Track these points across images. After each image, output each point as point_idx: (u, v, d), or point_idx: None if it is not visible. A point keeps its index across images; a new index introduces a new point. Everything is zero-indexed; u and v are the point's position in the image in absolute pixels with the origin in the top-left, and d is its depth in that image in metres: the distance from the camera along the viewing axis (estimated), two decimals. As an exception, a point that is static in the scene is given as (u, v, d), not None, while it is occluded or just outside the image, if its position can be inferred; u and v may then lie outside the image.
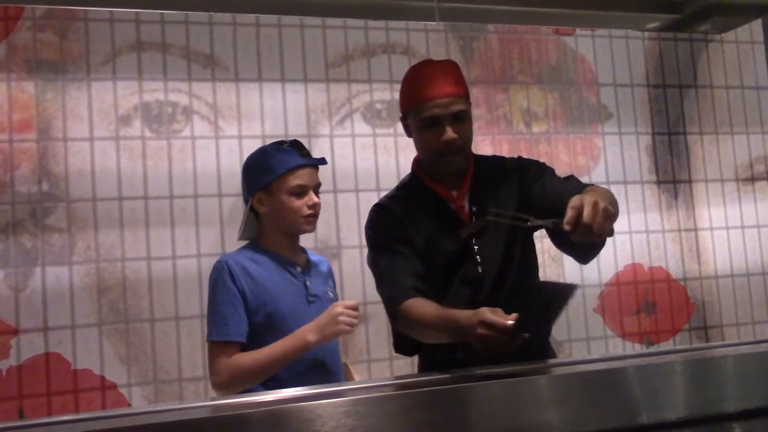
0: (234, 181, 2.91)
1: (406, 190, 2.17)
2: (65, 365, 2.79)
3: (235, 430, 1.24)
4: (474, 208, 2.08)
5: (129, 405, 2.82)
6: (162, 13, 3.01)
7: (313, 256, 2.30)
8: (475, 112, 3.37)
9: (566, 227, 1.65)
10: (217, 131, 3.06)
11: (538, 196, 2.04)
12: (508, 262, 2.06)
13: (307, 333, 2.02)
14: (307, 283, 2.16)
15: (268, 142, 2.36)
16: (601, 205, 1.65)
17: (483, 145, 3.37)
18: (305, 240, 3.06)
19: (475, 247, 2.06)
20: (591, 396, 1.47)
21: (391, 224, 2.09)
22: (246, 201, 2.22)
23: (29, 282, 2.79)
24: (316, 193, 2.18)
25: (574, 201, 1.68)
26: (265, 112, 3.12)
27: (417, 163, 2.19)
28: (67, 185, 2.87)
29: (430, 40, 3.36)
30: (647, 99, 3.68)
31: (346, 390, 1.51)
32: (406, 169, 3.29)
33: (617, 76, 3.64)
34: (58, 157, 2.88)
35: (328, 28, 3.23)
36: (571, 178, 2.10)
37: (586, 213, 1.63)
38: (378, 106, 3.26)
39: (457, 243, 2.06)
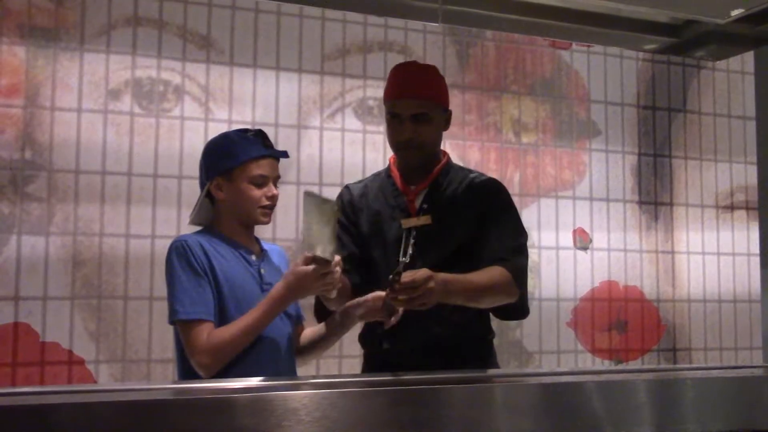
0: None
1: (375, 177, 2.35)
2: (33, 336, 2.77)
3: (215, 415, 1.23)
4: (425, 206, 2.21)
5: (95, 382, 2.79)
6: None
7: (267, 245, 2.27)
8: (466, 117, 3.39)
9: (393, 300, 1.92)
10: (207, 113, 3.05)
11: (477, 228, 2.18)
12: (437, 263, 2.08)
13: (279, 292, 1.98)
14: (262, 270, 2.14)
15: (257, 128, 2.34)
16: (423, 284, 1.89)
17: (471, 151, 3.38)
18: (287, 232, 3.07)
19: (411, 240, 2.16)
20: (553, 407, 1.48)
21: (343, 207, 2.29)
22: (202, 185, 2.18)
23: (3, 249, 2.76)
24: (275, 185, 2.15)
25: (405, 275, 1.90)
26: (257, 98, 3.12)
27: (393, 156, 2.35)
28: (51, 155, 2.84)
29: (427, 41, 3.38)
30: (636, 119, 3.72)
31: (328, 382, 1.50)
32: None
33: (608, 94, 3.67)
34: (43, 125, 2.85)
35: (327, 20, 3.23)
36: (507, 237, 2.18)
37: (412, 279, 1.89)
38: (370, 102, 3.27)
39: (397, 232, 2.20)
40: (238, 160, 2.09)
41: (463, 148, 3.38)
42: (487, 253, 2.14)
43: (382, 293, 2.01)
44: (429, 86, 2.21)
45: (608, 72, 3.67)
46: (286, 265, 2.28)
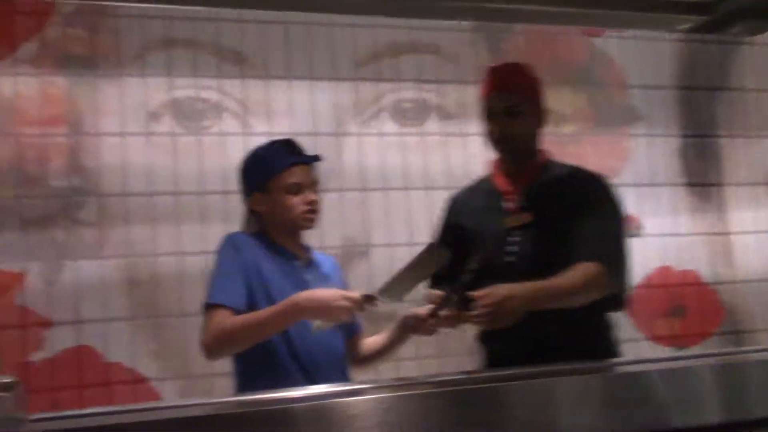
0: None
1: (478, 180, 2.39)
2: (97, 358, 2.82)
3: (278, 426, 1.25)
4: (525, 204, 2.20)
5: (160, 399, 2.83)
6: (192, 10, 3.02)
7: (319, 255, 2.28)
8: None
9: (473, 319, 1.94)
10: (247, 128, 3.07)
11: (570, 223, 2.15)
12: (541, 262, 2.09)
13: (301, 298, 1.97)
14: (306, 277, 2.15)
15: (298, 140, 2.36)
16: (502, 305, 1.90)
17: None
18: (333, 239, 3.08)
19: (515, 239, 2.16)
20: (619, 398, 1.45)
21: (446, 212, 2.35)
22: (245, 201, 2.23)
23: (62, 275, 2.81)
24: (314, 191, 2.17)
25: (479, 293, 1.91)
26: (294, 109, 3.14)
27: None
28: (98, 180, 2.89)
29: (458, 40, 3.35)
30: (677, 101, 3.64)
31: (385, 387, 1.50)
32: (434, 167, 3.30)
33: (646, 77, 3.61)
34: (89, 152, 2.90)
35: (357, 26, 3.23)
36: (598, 231, 2.13)
37: (483, 305, 1.90)
38: (406, 105, 3.27)
39: (498, 233, 2.19)
40: (269, 173, 2.14)
41: None
42: (576, 249, 2.09)
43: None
44: (518, 81, 2.24)
45: (644, 55, 3.61)
46: (339, 277, 2.29)
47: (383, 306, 1.96)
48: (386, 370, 3.05)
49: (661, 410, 1.46)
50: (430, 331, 2.09)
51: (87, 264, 2.85)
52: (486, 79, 2.27)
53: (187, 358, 2.89)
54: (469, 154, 3.28)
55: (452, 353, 3.11)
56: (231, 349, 2.05)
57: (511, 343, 2.08)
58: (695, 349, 3.43)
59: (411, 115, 3.27)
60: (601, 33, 3.55)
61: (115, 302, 2.86)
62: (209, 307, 2.03)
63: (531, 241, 2.16)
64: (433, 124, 3.28)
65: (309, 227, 2.18)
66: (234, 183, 2.89)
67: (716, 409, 1.50)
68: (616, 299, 2.16)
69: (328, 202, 3.00)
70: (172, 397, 2.84)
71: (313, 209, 2.15)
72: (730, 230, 3.64)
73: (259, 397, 1.66)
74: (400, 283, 1.94)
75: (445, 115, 3.30)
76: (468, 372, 1.79)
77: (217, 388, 2.87)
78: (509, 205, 2.22)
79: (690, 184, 3.60)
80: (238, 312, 2.00)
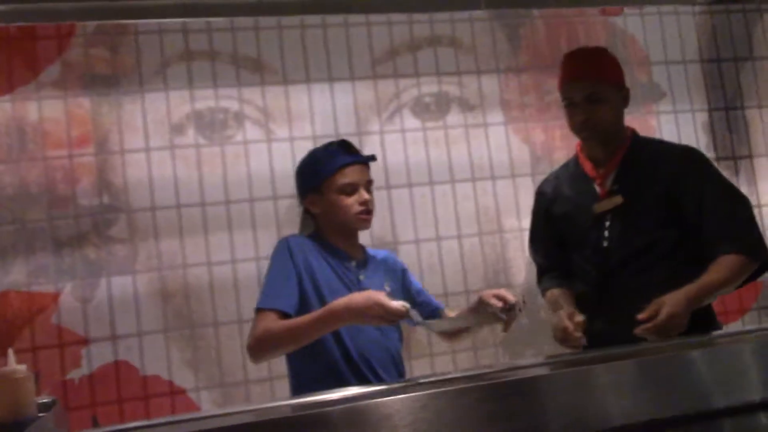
0: (288, 183, 2.90)
1: (565, 167, 2.41)
2: (134, 372, 2.86)
3: (314, 429, 1.25)
4: (615, 187, 2.21)
5: (198, 409, 2.86)
6: (209, 21, 3.04)
7: (376, 253, 2.29)
8: (525, 99, 3.34)
9: (638, 332, 1.95)
10: (269, 134, 3.08)
11: (687, 204, 2.15)
12: (638, 244, 2.14)
13: (337, 305, 1.97)
14: (360, 277, 2.16)
15: (319, 142, 2.38)
16: (674, 321, 1.93)
17: (535, 132, 3.33)
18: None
19: (607, 223, 2.20)
20: (662, 382, 1.45)
21: (537, 204, 2.41)
22: (301, 203, 2.26)
23: (96, 293, 2.85)
24: (368, 190, 2.17)
25: (650, 308, 1.95)
26: (314, 112, 3.14)
27: (579, 142, 2.37)
28: (127, 196, 2.93)
29: (475, 29, 3.33)
30: (701, 75, 3.58)
31: (417, 385, 1.50)
32: (458, 161, 3.26)
33: (668, 53, 3.54)
34: (116, 169, 2.94)
35: (373, 24, 3.22)
36: (728, 211, 2.13)
37: (654, 326, 1.93)
38: (426, 99, 3.25)
39: (590, 219, 2.22)
40: (323, 174, 2.14)
41: (526, 131, 3.33)
42: (714, 239, 2.09)
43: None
44: (596, 67, 2.24)
45: (665, 31, 3.55)
46: (398, 272, 2.28)
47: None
48: (420, 367, 3.05)
49: (704, 391, 1.44)
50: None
51: (120, 280, 2.88)
52: (564, 68, 2.28)
53: (222, 367, 2.92)
54: (492, 145, 3.27)
55: (484, 346, 3.09)
56: (274, 351, 2.07)
57: (601, 336, 2.08)
58: (734, 326, 3.34)
59: (432, 109, 3.25)
60: (619, 12, 3.50)
61: (149, 315, 2.90)
62: (259, 311, 2.05)
63: (625, 224, 2.17)
64: (454, 117, 3.26)
65: (364, 227, 2.20)
66: (258, 191, 3.02)
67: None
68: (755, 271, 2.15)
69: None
70: (210, 406, 2.87)
71: (367, 209, 2.16)
72: (762, 202, 3.55)
73: (294, 402, 1.67)
74: (450, 322, 2.00)
75: (466, 106, 3.27)
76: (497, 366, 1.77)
77: (254, 394, 2.90)
78: (599, 189, 2.24)
79: (719, 159, 3.52)
80: (286, 316, 2.02)
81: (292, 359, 2.15)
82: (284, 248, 2.12)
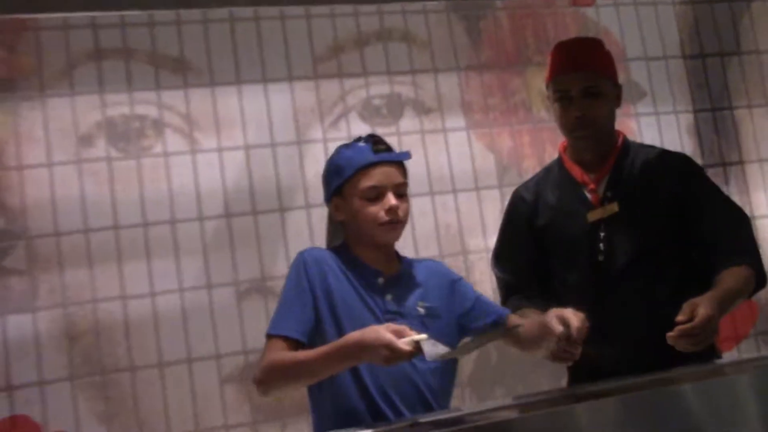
0: (216, 202, 2.84)
1: (547, 172, 2.32)
2: (35, 429, 2.65)
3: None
4: (609, 194, 2.15)
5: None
6: (122, 15, 2.86)
7: (414, 264, 2.07)
8: (489, 101, 3.21)
9: (669, 340, 1.83)
10: (193, 145, 2.93)
11: (691, 214, 2.13)
12: (638, 257, 2.10)
13: (350, 340, 1.82)
14: (387, 297, 1.97)
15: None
16: (711, 324, 1.82)
17: (501, 138, 3.19)
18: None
19: (601, 234, 2.14)
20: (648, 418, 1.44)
21: (513, 211, 2.30)
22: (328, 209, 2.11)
23: (-13, 335, 2.67)
24: (398, 195, 1.96)
25: (685, 310, 1.83)
26: (246, 118, 2.98)
27: (563, 144, 2.31)
28: (25, 219, 2.73)
29: (430, 22, 3.18)
30: (684, 72, 3.47)
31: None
32: (414, 171, 3.01)
33: (647, 48, 3.42)
34: (12, 187, 2.75)
35: (313, 17, 3.07)
36: (731, 224, 2.13)
37: (692, 327, 1.81)
38: (376, 101, 3.11)
39: (582, 229, 2.16)
40: (344, 175, 1.97)
41: (490, 137, 3.19)
42: (727, 251, 2.07)
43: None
44: (595, 58, 2.21)
45: (643, 23, 3.42)
46: (446, 280, 2.07)
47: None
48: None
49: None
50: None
51: (17, 318, 2.68)
52: (556, 58, 2.23)
53: (141, 420, 2.73)
54: (452, 153, 3.13)
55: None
56: (283, 385, 1.94)
57: (606, 347, 2.01)
58: (728, 356, 3.19)
59: (383, 112, 3.11)
60: (592, 2, 3.38)
61: (52, 361, 2.69)
62: (267, 337, 1.94)
63: (621, 234, 2.13)
64: (408, 122, 3.13)
65: (389, 240, 1.99)
66: (182, 211, 2.84)
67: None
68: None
69: (292, 220, 2.90)
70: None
71: (394, 218, 1.94)
72: (757, 214, 3.40)
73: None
74: (460, 350, 1.90)
75: (422, 109, 3.14)
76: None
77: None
78: (591, 195, 2.19)
79: (706, 165, 3.35)
80: (297, 344, 1.90)
81: (310, 391, 2.02)
82: (299, 264, 1.97)
